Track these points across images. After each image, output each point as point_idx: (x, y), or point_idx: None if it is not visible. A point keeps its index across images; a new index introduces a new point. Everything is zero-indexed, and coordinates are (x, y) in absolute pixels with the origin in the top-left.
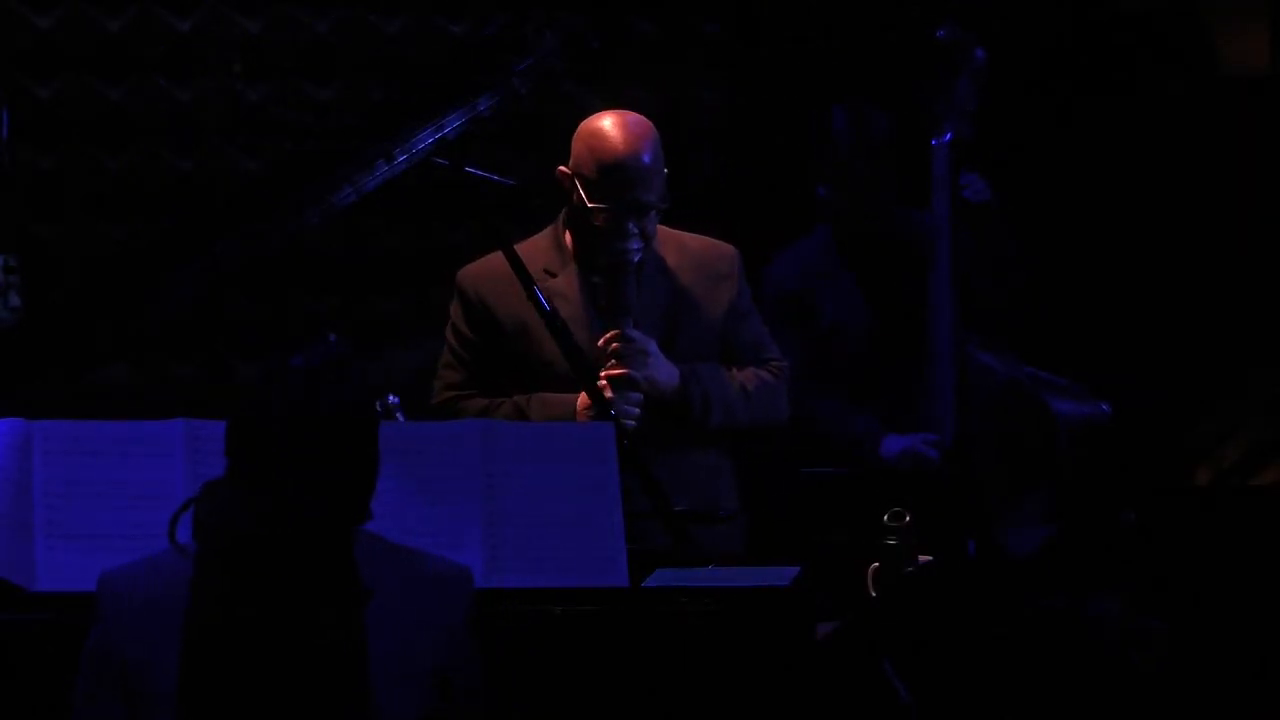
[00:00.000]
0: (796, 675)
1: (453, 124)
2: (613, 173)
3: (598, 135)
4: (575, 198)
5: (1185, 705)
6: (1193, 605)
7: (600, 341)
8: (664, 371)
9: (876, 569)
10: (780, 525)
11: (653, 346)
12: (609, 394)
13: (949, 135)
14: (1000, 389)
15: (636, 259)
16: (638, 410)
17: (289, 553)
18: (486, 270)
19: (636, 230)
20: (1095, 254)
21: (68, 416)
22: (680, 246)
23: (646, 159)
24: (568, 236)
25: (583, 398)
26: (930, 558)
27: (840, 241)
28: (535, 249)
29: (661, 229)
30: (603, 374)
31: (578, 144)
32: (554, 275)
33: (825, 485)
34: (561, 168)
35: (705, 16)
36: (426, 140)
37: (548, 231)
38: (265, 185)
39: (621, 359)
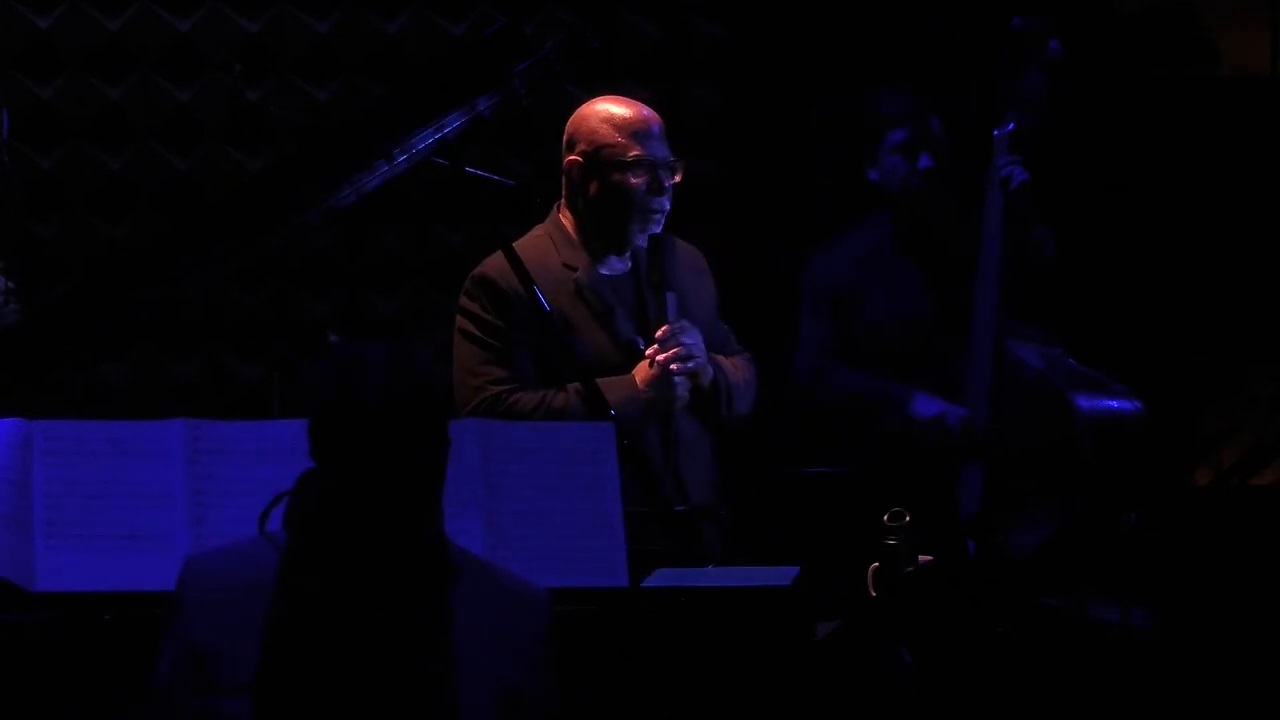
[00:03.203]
0: (796, 675)
1: (453, 124)
2: (639, 129)
3: (605, 110)
4: (598, 176)
5: (1185, 705)
6: (1193, 605)
7: (659, 331)
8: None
9: (876, 569)
10: (780, 525)
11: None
12: (674, 367)
13: (1011, 125)
14: (1030, 385)
15: (661, 228)
16: (689, 386)
17: (380, 537)
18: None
19: (669, 188)
20: (1094, 254)
21: (68, 416)
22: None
23: (658, 122)
24: (573, 231)
25: (641, 369)
26: (930, 558)
27: (898, 230)
28: (544, 247)
29: None
30: (663, 354)
31: (587, 124)
32: (575, 269)
33: (825, 485)
34: (571, 157)
35: (705, 16)
36: (426, 140)
37: (546, 230)
38: (265, 185)
39: (681, 340)
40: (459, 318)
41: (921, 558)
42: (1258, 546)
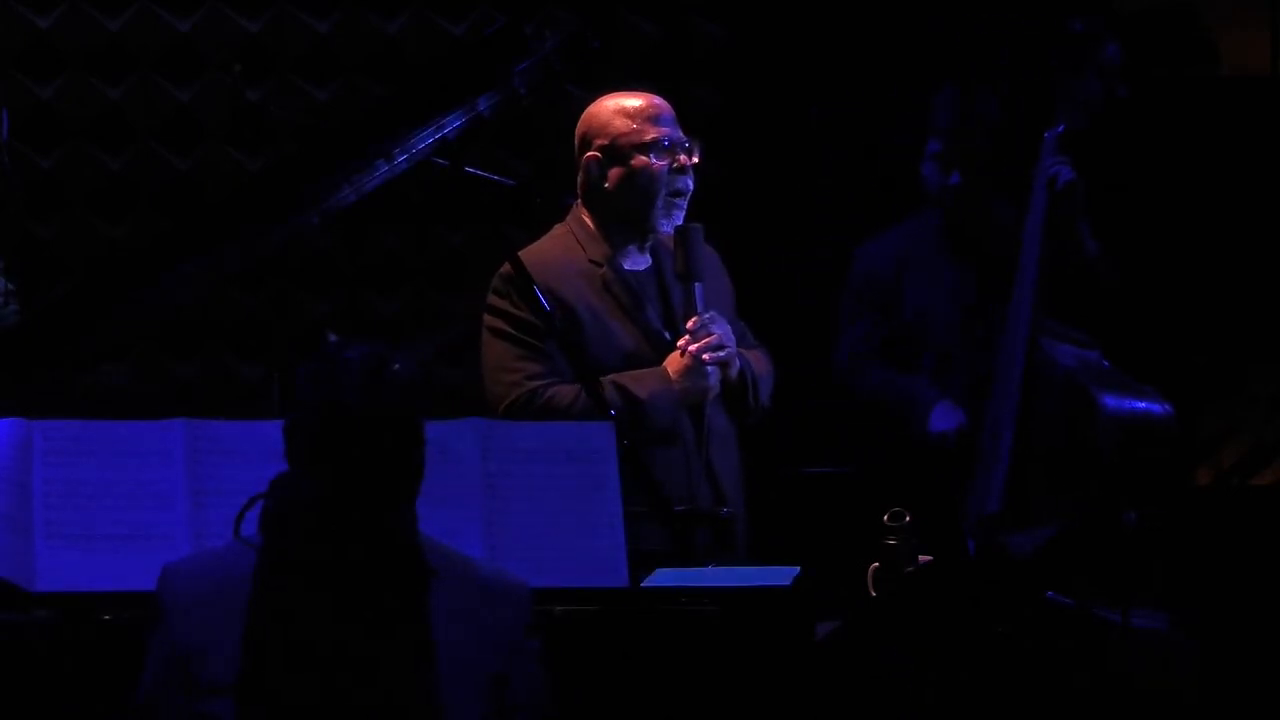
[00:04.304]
0: (796, 675)
1: (453, 124)
2: (651, 113)
3: (615, 103)
4: (619, 163)
5: (1184, 704)
6: (1193, 606)
7: (690, 322)
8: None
9: (876, 569)
10: (780, 525)
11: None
12: (707, 357)
13: (1062, 127)
14: (1059, 384)
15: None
16: (719, 376)
17: (357, 539)
18: (541, 260)
19: (690, 167)
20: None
21: (68, 416)
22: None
23: (668, 108)
24: (594, 227)
25: (673, 360)
26: (930, 558)
27: (945, 225)
28: (568, 244)
29: None
30: (695, 344)
31: (600, 119)
32: (601, 265)
33: (825, 485)
34: (589, 154)
35: (705, 16)
36: (426, 140)
37: (568, 228)
38: (265, 185)
39: (711, 330)
40: (487, 316)
41: (921, 558)
42: (1258, 546)
